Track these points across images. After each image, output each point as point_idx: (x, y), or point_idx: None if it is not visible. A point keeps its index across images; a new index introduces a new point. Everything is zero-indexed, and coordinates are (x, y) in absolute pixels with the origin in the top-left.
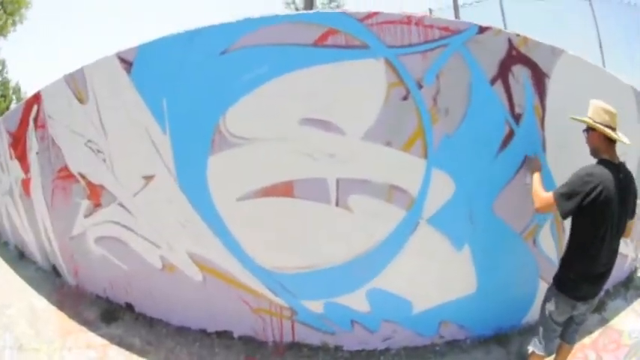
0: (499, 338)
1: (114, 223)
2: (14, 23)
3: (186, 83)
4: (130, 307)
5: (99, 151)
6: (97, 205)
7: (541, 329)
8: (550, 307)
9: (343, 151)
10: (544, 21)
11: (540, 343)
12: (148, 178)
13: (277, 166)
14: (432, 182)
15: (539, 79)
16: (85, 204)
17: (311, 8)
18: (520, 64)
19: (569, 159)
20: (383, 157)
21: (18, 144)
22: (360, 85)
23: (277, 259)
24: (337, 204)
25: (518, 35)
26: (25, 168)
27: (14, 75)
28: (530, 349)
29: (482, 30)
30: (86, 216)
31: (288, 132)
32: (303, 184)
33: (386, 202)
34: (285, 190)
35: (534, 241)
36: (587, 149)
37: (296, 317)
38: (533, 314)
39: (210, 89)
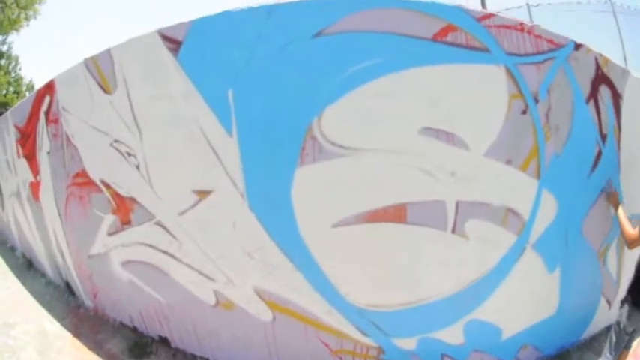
0: (561, 355)
1: (149, 247)
2: (28, 18)
3: (262, 71)
4: (164, 341)
5: (129, 155)
6: (126, 223)
7: (614, 341)
8: (623, 319)
9: (465, 168)
10: (569, 32)
11: (610, 354)
12: (203, 194)
13: (389, 184)
14: (541, 204)
15: (616, 99)
16: (110, 219)
17: None
18: (604, 84)
19: (637, 178)
20: (503, 176)
21: (27, 141)
22: (483, 94)
23: (376, 295)
24: (454, 230)
25: (601, 55)
26: (35, 169)
27: (28, 72)
28: None
29: (577, 46)
30: (111, 234)
31: (405, 143)
32: (419, 208)
33: (500, 226)
34: (396, 214)
35: (604, 260)
36: None
37: (383, 356)
38: (591, 329)
39: (299, 81)
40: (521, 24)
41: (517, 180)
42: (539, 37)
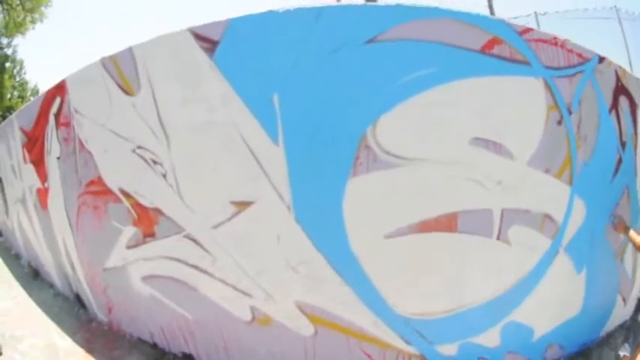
0: (583, 353)
1: (176, 261)
2: (33, 21)
3: (311, 75)
4: (189, 357)
5: (155, 162)
6: (149, 236)
7: (632, 335)
8: None
9: (511, 177)
10: (577, 40)
11: (630, 346)
12: (242, 205)
13: (441, 194)
14: (573, 210)
15: (634, 108)
16: (130, 232)
17: None
18: (623, 94)
19: None
20: (542, 184)
21: (34, 145)
22: (525, 105)
23: (422, 304)
24: (498, 237)
25: (620, 67)
26: (42, 175)
27: (32, 76)
28: (622, 353)
29: (601, 60)
30: (130, 247)
31: (457, 153)
32: (469, 216)
33: (538, 232)
34: (447, 223)
35: (621, 260)
36: None
37: None
38: (608, 326)
39: (352, 87)
40: (555, 38)
41: (553, 187)
42: (570, 50)
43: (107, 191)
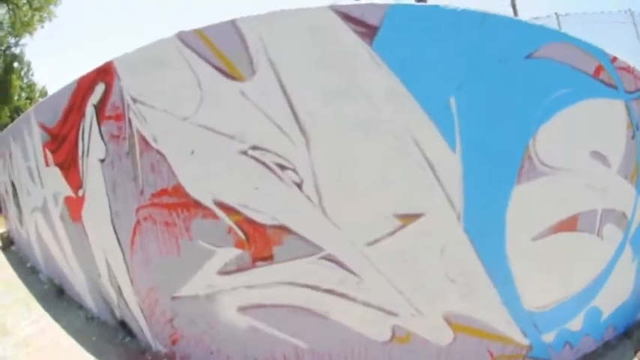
0: (627, 333)
1: (302, 287)
2: (41, 20)
3: (483, 82)
4: None
5: (283, 168)
6: (263, 259)
7: None
8: None
9: (608, 183)
10: (594, 40)
11: None
12: (409, 218)
13: (570, 198)
14: (637, 209)
15: None
16: (228, 255)
17: None
18: None
19: None
20: (623, 188)
21: (61, 144)
22: (617, 124)
23: (543, 298)
24: (598, 234)
25: None
26: (74, 181)
27: (39, 78)
28: None
29: None
30: (227, 273)
31: (582, 163)
32: (584, 217)
33: (617, 227)
34: (571, 224)
35: None
36: None
37: (530, 353)
38: None
39: (517, 99)
40: (628, 66)
41: (628, 190)
42: (637, 77)
43: (191, 204)
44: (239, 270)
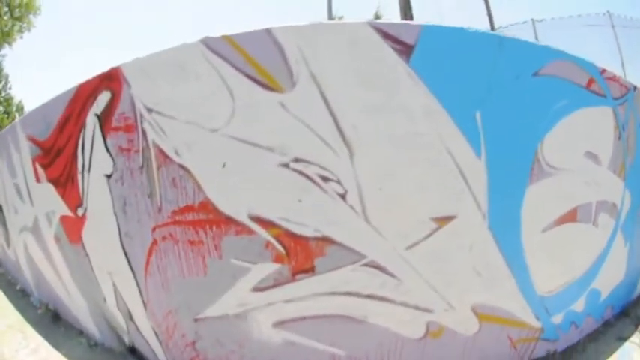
0: (624, 311)
1: (342, 295)
2: (21, 30)
3: (501, 97)
4: None
5: (327, 180)
6: (304, 272)
7: None
8: None
9: (600, 179)
10: (572, 46)
11: None
12: (443, 221)
13: (570, 193)
14: (624, 198)
15: None
16: (265, 270)
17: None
18: None
19: None
20: (612, 182)
21: (54, 159)
22: (606, 127)
23: (551, 282)
24: (594, 223)
25: None
26: (72, 199)
27: (17, 90)
28: None
29: (635, 88)
30: (262, 289)
31: (577, 163)
32: (582, 209)
33: (609, 216)
34: (572, 216)
35: None
36: None
37: (541, 335)
38: (639, 289)
39: (527, 111)
40: (614, 75)
41: (617, 184)
42: (622, 84)
43: (222, 220)
44: (276, 285)
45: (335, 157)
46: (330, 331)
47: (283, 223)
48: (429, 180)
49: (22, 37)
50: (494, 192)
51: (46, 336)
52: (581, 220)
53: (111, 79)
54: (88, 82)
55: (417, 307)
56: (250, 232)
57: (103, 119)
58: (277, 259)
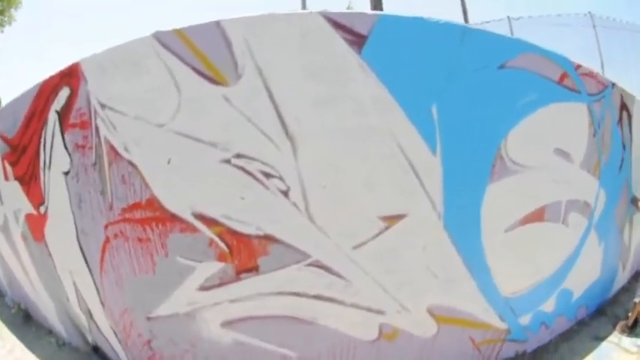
0: (600, 310)
1: (289, 295)
2: (1, 24)
3: (460, 90)
4: None
5: (269, 176)
6: (248, 271)
7: None
8: None
9: (571, 177)
10: (550, 45)
11: None
12: (393, 219)
13: (538, 192)
14: (599, 197)
15: (630, 119)
16: (210, 269)
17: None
18: (624, 110)
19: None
20: (585, 180)
21: (21, 156)
22: (579, 124)
23: (517, 283)
24: (563, 222)
25: (623, 90)
26: (35, 197)
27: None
28: (637, 300)
29: (613, 85)
30: (208, 288)
31: (546, 161)
32: (551, 208)
33: (582, 215)
34: (539, 215)
35: (622, 232)
36: None
37: (508, 336)
38: (614, 288)
39: (490, 105)
40: (591, 71)
41: (590, 182)
42: (599, 81)
43: (168, 218)
44: (221, 284)
45: (277, 152)
46: (279, 332)
47: (226, 221)
48: (377, 176)
49: (2, 32)
50: (450, 190)
51: (20, 336)
52: (550, 219)
53: (70, 76)
54: (50, 79)
55: (368, 309)
56: (194, 230)
57: (62, 116)
58: (221, 257)
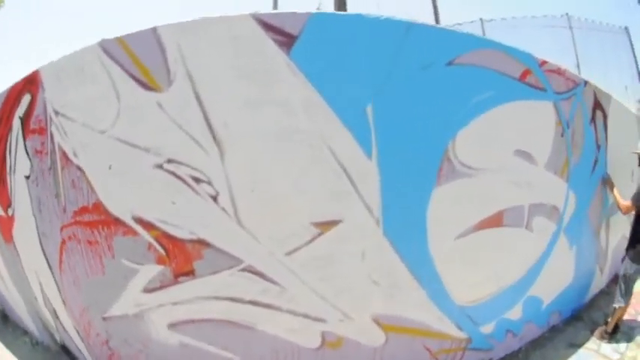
0: (576, 315)
1: (226, 300)
2: None
3: (402, 88)
4: None
5: (198, 180)
6: (184, 274)
7: (622, 287)
8: (629, 269)
9: (535, 179)
10: (523, 46)
11: (622, 297)
12: (327, 225)
13: (495, 196)
14: (568, 200)
15: (605, 119)
16: (151, 272)
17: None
18: (598, 108)
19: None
20: (552, 182)
21: None
22: (543, 123)
23: (474, 292)
24: (527, 227)
25: (597, 87)
26: (3, 200)
27: None
28: (616, 305)
29: (585, 83)
30: (151, 290)
31: (505, 162)
32: (510, 213)
33: (549, 219)
34: (497, 220)
35: (598, 236)
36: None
37: (470, 345)
38: (591, 292)
39: (436, 104)
40: (559, 68)
41: (558, 184)
42: (568, 78)
43: (112, 221)
44: (162, 287)
45: (206, 157)
46: (221, 336)
47: (162, 225)
48: (308, 181)
49: None
50: (389, 195)
51: (0, 337)
52: (510, 224)
53: (31, 82)
54: (16, 84)
55: (306, 316)
56: (135, 233)
57: (24, 121)
58: (159, 260)
